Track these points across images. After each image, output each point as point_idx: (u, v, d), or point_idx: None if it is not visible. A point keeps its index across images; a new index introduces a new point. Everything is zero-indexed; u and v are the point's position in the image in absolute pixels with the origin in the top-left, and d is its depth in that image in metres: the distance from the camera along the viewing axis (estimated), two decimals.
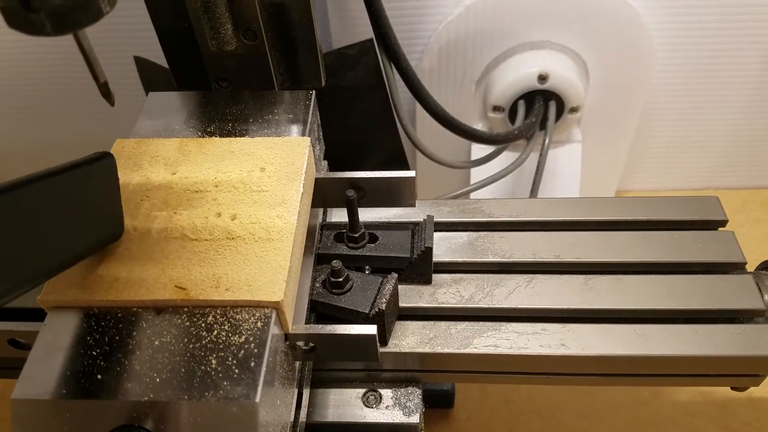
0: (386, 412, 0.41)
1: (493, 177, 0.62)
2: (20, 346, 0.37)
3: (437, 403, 0.69)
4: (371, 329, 0.33)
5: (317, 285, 0.41)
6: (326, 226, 0.46)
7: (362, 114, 0.60)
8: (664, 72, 0.76)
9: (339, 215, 0.49)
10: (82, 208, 0.29)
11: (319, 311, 0.40)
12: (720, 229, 0.46)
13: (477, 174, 0.74)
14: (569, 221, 0.47)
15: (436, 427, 0.68)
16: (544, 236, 0.46)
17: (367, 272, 0.42)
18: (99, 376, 0.28)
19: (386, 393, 0.42)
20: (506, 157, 0.71)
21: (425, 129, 0.76)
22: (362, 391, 0.43)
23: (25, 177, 0.26)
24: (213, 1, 0.41)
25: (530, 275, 0.44)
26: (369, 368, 0.43)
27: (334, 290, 0.40)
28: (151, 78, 0.68)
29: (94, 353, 0.29)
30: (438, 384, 0.69)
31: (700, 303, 0.41)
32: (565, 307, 0.42)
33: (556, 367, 0.41)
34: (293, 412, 0.35)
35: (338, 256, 0.42)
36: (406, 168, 0.61)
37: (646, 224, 0.46)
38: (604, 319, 0.42)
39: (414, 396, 0.42)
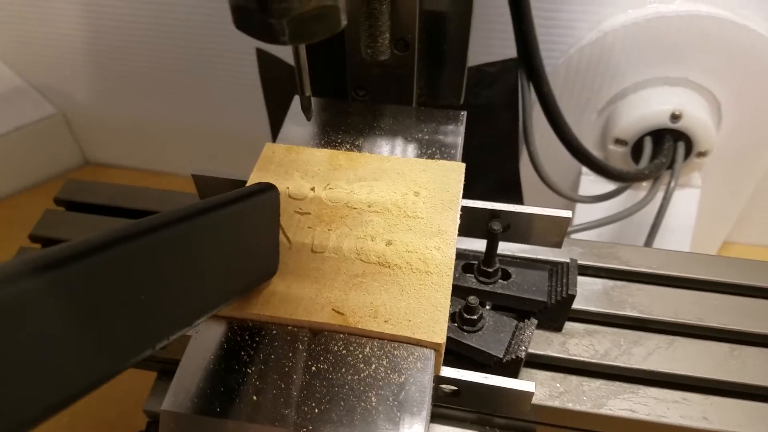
0: None
1: (617, 215, 0.59)
2: None
3: None
4: (530, 386, 0.30)
5: None
6: None
7: (486, 135, 0.57)
8: None
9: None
10: (241, 243, 0.27)
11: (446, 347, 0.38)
12: None
13: (583, 210, 0.70)
14: (715, 282, 0.43)
15: None
16: (686, 294, 0.43)
17: (487, 308, 0.39)
18: (255, 398, 0.26)
19: None
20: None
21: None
22: None
23: (186, 209, 0.23)
24: (378, 9, 0.39)
25: (671, 337, 0.41)
26: (483, 411, 0.40)
27: (464, 327, 0.38)
28: (270, 71, 0.67)
29: (249, 371, 0.27)
30: None
31: None
32: (709, 377, 0.39)
33: None
34: None
35: (468, 290, 0.40)
36: (519, 197, 0.58)
37: None
38: (751, 395, 0.38)
39: None
